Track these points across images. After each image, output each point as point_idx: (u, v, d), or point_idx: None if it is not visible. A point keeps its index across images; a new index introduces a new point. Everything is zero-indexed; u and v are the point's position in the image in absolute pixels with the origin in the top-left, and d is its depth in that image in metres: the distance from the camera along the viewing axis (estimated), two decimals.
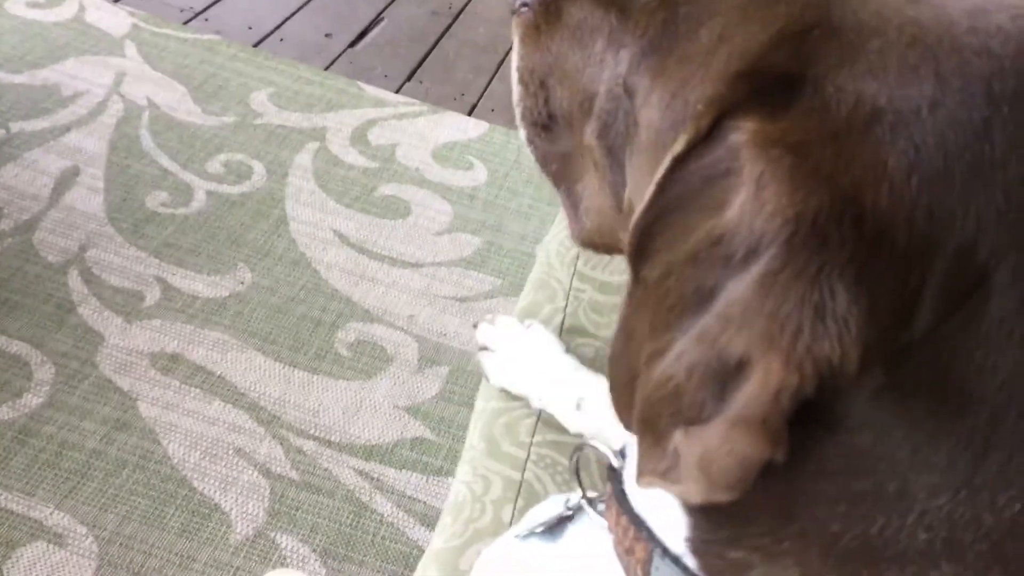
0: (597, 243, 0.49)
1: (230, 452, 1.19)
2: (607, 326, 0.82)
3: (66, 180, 1.51)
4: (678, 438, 0.32)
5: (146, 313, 1.33)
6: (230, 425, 1.22)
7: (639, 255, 0.35)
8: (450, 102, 1.93)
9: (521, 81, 0.51)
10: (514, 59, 0.51)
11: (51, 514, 1.08)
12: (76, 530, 1.07)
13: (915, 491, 0.32)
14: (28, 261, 1.36)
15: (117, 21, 1.91)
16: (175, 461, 1.16)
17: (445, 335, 1.41)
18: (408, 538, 1.14)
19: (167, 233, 1.46)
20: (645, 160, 0.39)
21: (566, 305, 0.82)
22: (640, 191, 0.37)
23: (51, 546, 1.06)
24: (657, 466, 0.33)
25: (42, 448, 1.14)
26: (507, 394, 0.78)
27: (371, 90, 1.89)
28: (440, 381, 1.34)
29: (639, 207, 0.36)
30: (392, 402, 1.30)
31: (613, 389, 0.38)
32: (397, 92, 1.92)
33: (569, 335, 0.80)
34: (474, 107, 1.94)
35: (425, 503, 1.19)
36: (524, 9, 0.50)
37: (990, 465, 0.31)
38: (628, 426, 0.37)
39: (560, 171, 0.50)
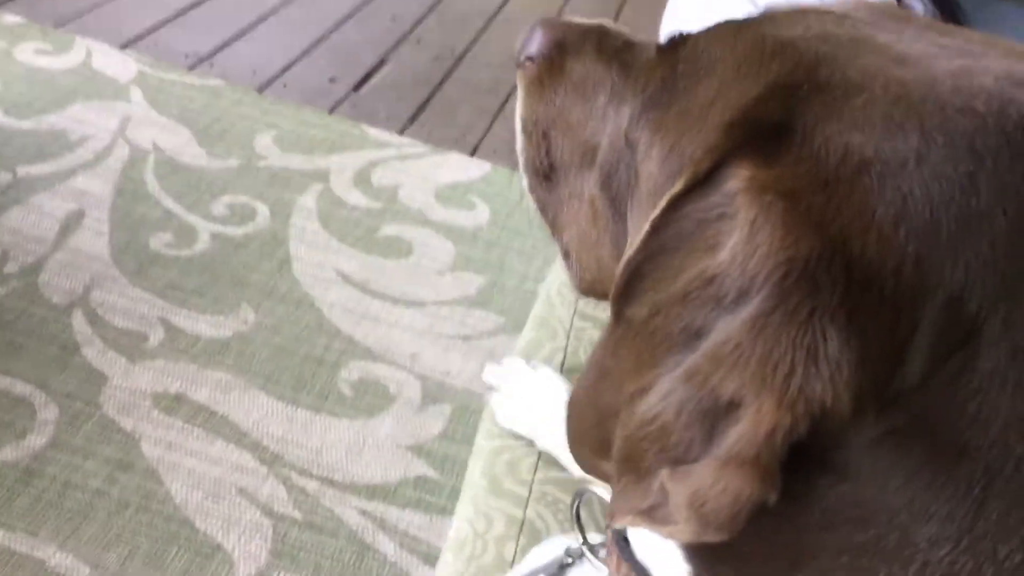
0: (597, 291, 0.50)
1: (232, 492, 1.19)
2: None
3: (71, 223, 1.53)
4: (664, 477, 0.33)
5: (150, 354, 1.34)
6: (233, 465, 1.22)
7: (626, 294, 0.36)
8: (452, 143, 1.95)
9: (524, 131, 0.52)
10: (518, 109, 0.53)
11: (54, 554, 1.08)
12: (79, 570, 1.07)
13: (916, 542, 0.32)
14: (33, 303, 1.37)
15: (123, 67, 1.94)
16: (178, 501, 1.16)
17: (448, 374, 1.41)
18: None
19: (171, 274, 1.47)
20: (644, 211, 0.40)
21: (567, 344, 0.83)
22: (637, 238, 0.38)
23: None
24: (640, 504, 0.33)
25: (45, 488, 1.14)
26: (510, 432, 0.78)
27: (374, 132, 1.91)
28: (443, 420, 1.34)
29: (630, 248, 0.37)
30: (395, 441, 1.30)
31: (575, 429, 0.38)
32: (400, 134, 1.94)
33: (570, 374, 0.81)
34: (476, 148, 1.96)
35: (428, 543, 1.18)
36: (528, 62, 0.52)
37: (989, 516, 0.31)
38: (589, 469, 0.37)
39: (559, 220, 0.51)
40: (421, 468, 1.27)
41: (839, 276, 0.30)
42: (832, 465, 0.33)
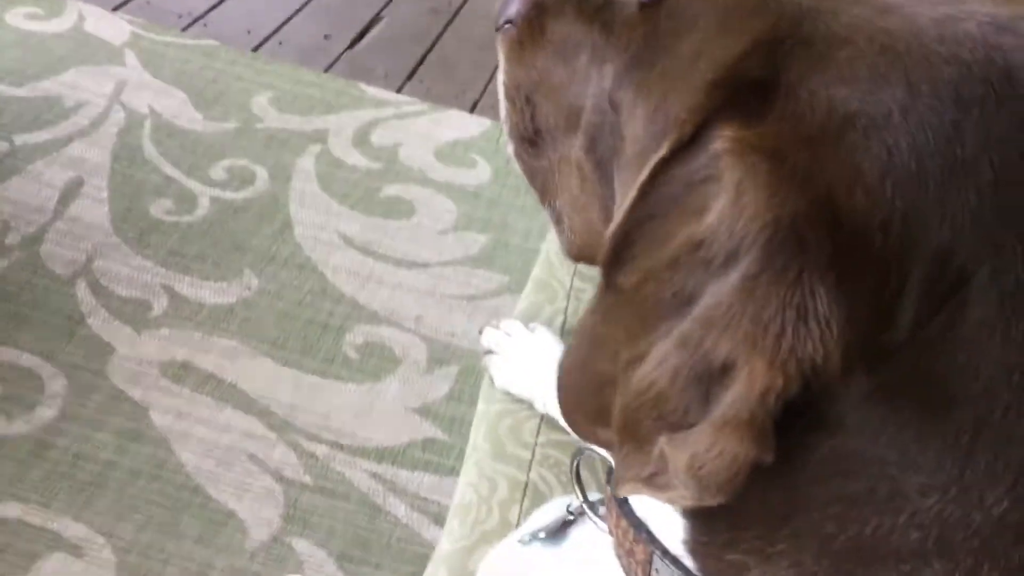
0: (587, 256, 0.50)
1: (243, 459, 1.20)
2: None
3: (70, 191, 1.52)
4: (663, 443, 0.33)
5: (154, 322, 1.34)
6: (242, 432, 1.22)
7: (615, 262, 0.36)
8: (452, 100, 1.93)
9: (507, 97, 0.51)
10: (500, 75, 0.52)
11: (68, 525, 1.09)
12: (94, 540, 1.08)
13: (906, 491, 0.33)
14: (36, 274, 1.37)
15: (116, 30, 1.91)
16: (189, 469, 1.17)
17: (453, 335, 1.42)
18: (423, 539, 1.15)
19: (172, 241, 1.47)
20: (630, 174, 0.40)
21: (567, 306, 0.83)
22: (624, 204, 0.37)
23: (70, 557, 1.07)
24: (641, 472, 0.34)
25: (57, 460, 1.15)
26: (510, 395, 0.78)
27: (372, 91, 1.89)
28: (450, 381, 1.35)
29: (618, 214, 0.36)
30: (403, 403, 1.31)
31: (569, 399, 0.38)
32: (398, 92, 1.92)
33: (569, 336, 0.81)
34: (476, 104, 1.94)
35: (439, 503, 1.19)
36: (508, 26, 0.51)
37: (977, 465, 0.32)
38: (585, 435, 0.37)
39: (547, 185, 0.51)
40: (429, 430, 1.28)
41: (826, 234, 0.30)
42: (824, 420, 0.33)
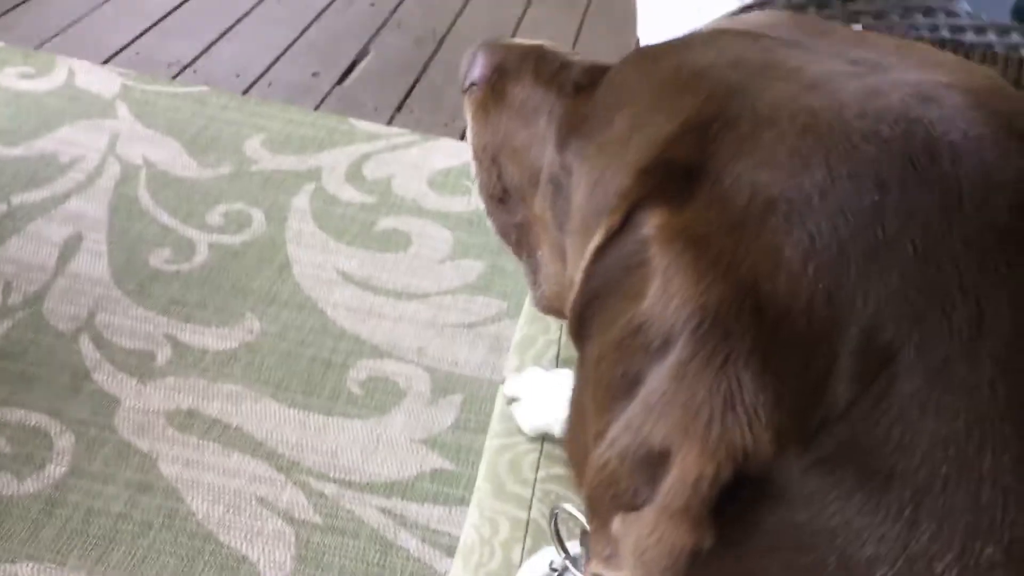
0: (557, 308, 0.51)
1: (253, 502, 1.20)
2: None
3: (70, 247, 1.54)
4: (616, 524, 0.33)
5: (159, 372, 1.35)
6: (250, 476, 1.23)
7: (578, 336, 0.37)
8: (441, 128, 1.94)
9: (476, 157, 0.52)
10: (468, 136, 0.53)
11: None
12: None
13: (854, 564, 0.32)
14: (40, 332, 1.39)
15: (107, 83, 1.94)
16: (200, 517, 1.18)
17: (456, 363, 1.42)
18: (436, 572, 1.15)
19: (173, 290, 1.48)
20: (578, 241, 0.41)
21: (560, 336, 0.83)
22: (575, 274, 0.38)
23: None
24: (602, 551, 0.34)
25: (69, 517, 1.16)
26: (510, 429, 0.79)
27: (362, 125, 1.91)
28: (455, 410, 1.35)
29: (572, 292, 0.37)
30: (409, 436, 1.31)
31: (571, 465, 0.39)
32: (388, 124, 1.94)
33: (564, 366, 0.81)
34: (465, 132, 1.95)
35: (450, 535, 1.19)
36: (473, 88, 0.52)
37: (921, 536, 0.32)
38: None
39: (519, 241, 0.52)
40: (437, 461, 1.28)
41: (750, 320, 0.31)
42: (768, 493, 0.33)
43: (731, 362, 0.30)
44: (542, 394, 0.81)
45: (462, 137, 1.93)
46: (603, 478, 0.33)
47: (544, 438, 0.78)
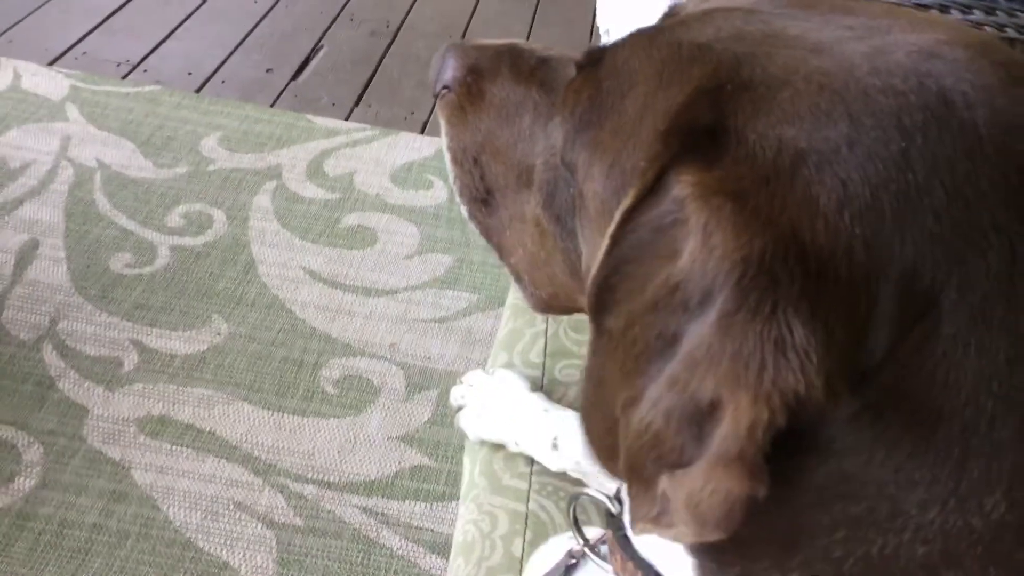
0: (554, 308, 0.51)
1: (231, 508, 1.19)
2: None
3: (26, 254, 1.50)
4: (664, 483, 0.33)
5: (127, 379, 1.32)
6: (227, 480, 1.21)
7: (600, 308, 0.37)
8: (401, 122, 1.93)
9: (455, 160, 0.52)
10: (444, 139, 0.52)
11: None
12: None
13: (907, 508, 0.34)
14: (0, 342, 1.35)
15: (55, 85, 1.89)
16: (177, 524, 1.16)
17: (429, 358, 1.42)
18: (420, 569, 1.15)
19: (136, 294, 1.45)
20: (596, 227, 0.41)
21: (547, 327, 0.83)
22: (597, 254, 0.38)
23: None
24: (649, 512, 0.34)
25: (42, 530, 1.13)
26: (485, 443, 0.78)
27: (320, 120, 1.89)
28: (431, 405, 1.35)
29: (595, 263, 0.37)
30: (386, 433, 1.30)
31: (591, 440, 0.39)
32: (347, 119, 1.92)
33: (554, 358, 0.81)
34: (425, 124, 1.94)
35: (433, 531, 1.19)
36: (445, 91, 0.52)
37: (971, 474, 0.33)
38: (614, 473, 0.38)
39: (505, 243, 0.52)
40: (415, 457, 1.28)
41: (795, 267, 0.31)
42: (817, 445, 0.34)
43: (779, 309, 0.31)
44: (482, 400, 0.80)
45: (423, 131, 1.92)
46: (646, 440, 0.33)
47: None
